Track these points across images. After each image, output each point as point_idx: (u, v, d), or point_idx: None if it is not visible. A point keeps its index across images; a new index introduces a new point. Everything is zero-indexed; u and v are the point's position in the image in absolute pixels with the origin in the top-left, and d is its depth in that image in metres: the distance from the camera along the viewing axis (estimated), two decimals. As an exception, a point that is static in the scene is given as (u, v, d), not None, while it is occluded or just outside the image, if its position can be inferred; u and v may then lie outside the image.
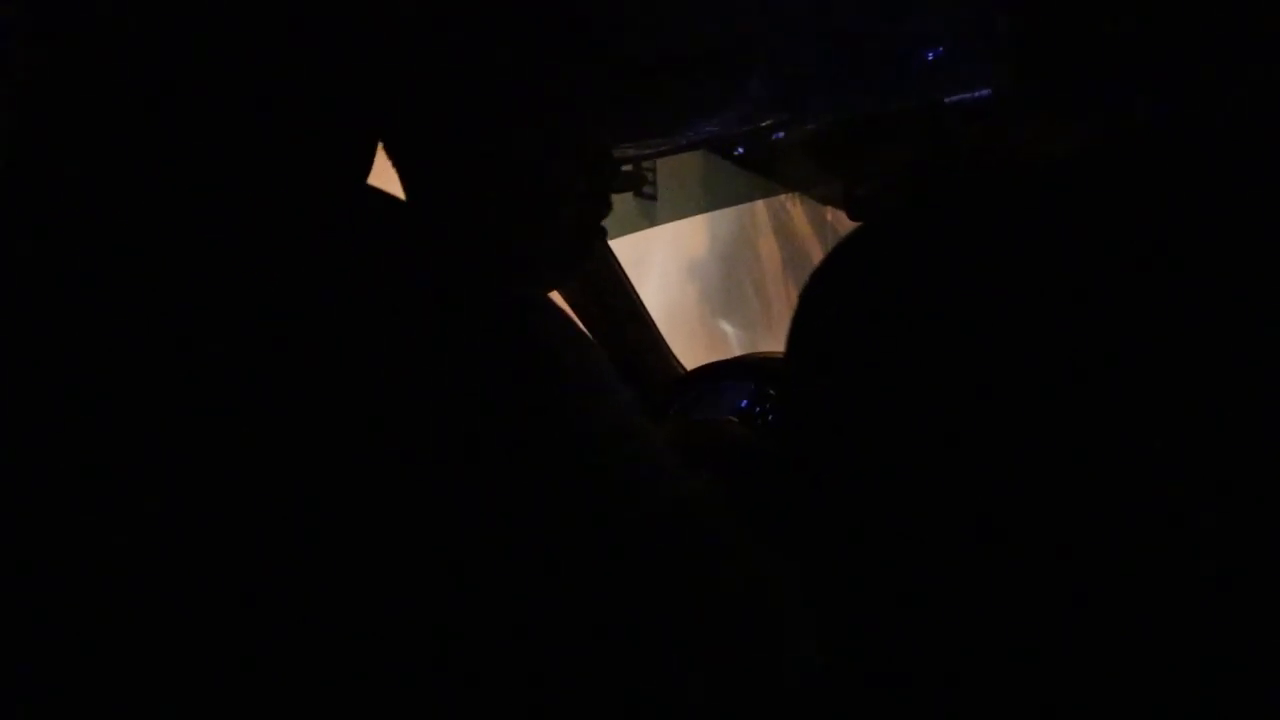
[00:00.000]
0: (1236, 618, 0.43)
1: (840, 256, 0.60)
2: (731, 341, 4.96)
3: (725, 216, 5.35)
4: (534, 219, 0.74)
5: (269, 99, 0.49)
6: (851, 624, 0.55)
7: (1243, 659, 0.43)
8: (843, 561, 0.57)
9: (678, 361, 1.84)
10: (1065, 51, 0.58)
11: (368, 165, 0.58)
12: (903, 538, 0.53)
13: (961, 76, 0.94)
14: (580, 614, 0.47)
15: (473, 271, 0.50)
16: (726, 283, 5.28)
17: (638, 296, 1.77)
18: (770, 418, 1.42)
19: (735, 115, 1.11)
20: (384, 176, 0.63)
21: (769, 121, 1.15)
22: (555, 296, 0.76)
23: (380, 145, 0.66)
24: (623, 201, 0.81)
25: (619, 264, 1.70)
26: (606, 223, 0.82)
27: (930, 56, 0.91)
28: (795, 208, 5.66)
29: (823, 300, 0.60)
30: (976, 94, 0.95)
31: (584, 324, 1.63)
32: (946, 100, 0.98)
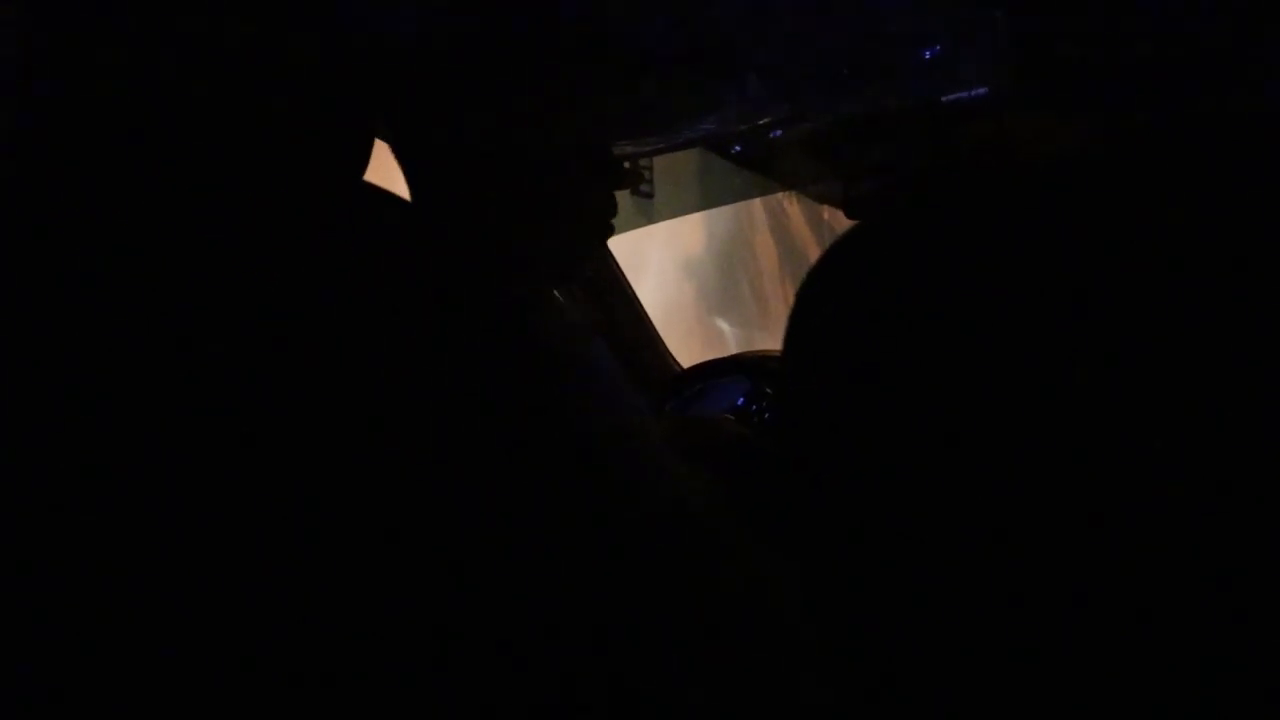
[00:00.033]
0: (1237, 618, 0.43)
1: (837, 255, 0.60)
2: (728, 339, 4.96)
3: (722, 214, 5.36)
4: (534, 219, 0.74)
5: (268, 98, 0.49)
6: (851, 624, 0.55)
7: (1243, 659, 0.43)
8: (841, 561, 0.57)
9: (674, 359, 1.84)
10: (1065, 51, 0.58)
11: (364, 163, 0.58)
12: (902, 537, 0.53)
13: (959, 75, 0.94)
14: (580, 614, 0.47)
15: (473, 271, 0.50)
16: (723, 280, 5.28)
17: (634, 294, 1.77)
18: (767, 416, 1.42)
19: (733, 113, 1.11)
20: (386, 176, 0.63)
21: (767, 120, 1.15)
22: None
23: (386, 146, 0.66)
24: (620, 199, 0.81)
25: (616, 261, 1.70)
26: (605, 221, 0.82)
27: (928, 55, 0.91)
28: (792, 206, 5.66)
29: (820, 298, 0.60)
30: (974, 93, 0.95)
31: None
32: (944, 99, 0.98)
